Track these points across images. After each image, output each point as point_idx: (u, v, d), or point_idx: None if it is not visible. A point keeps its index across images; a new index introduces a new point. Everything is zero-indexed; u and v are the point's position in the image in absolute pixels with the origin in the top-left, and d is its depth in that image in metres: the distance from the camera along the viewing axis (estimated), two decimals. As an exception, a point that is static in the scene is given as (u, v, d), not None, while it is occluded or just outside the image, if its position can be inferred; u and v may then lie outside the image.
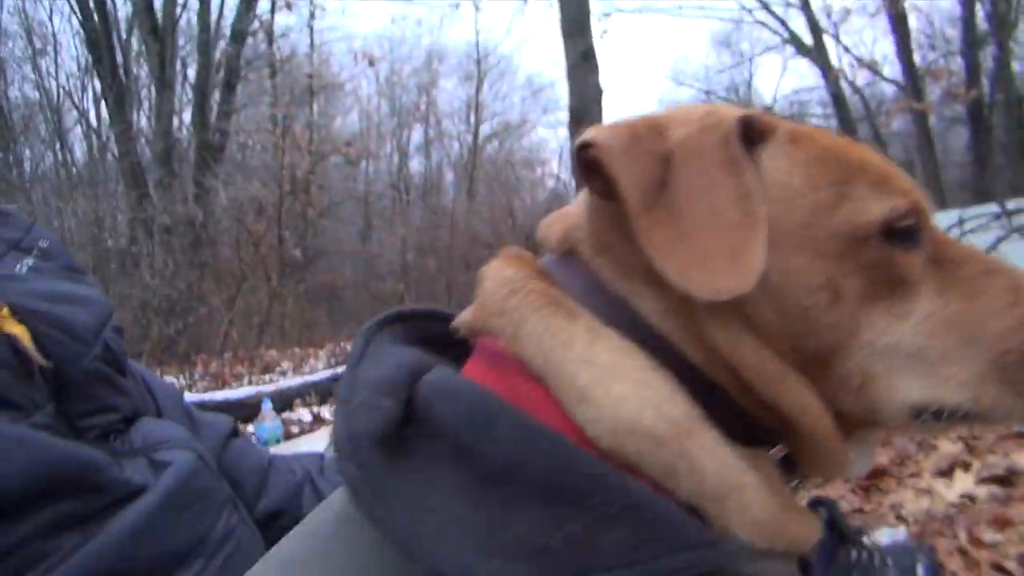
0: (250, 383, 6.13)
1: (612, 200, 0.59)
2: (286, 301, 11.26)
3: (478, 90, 22.33)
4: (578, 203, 0.68)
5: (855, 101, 19.16)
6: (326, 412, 4.49)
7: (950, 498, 2.08)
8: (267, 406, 3.50)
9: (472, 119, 22.26)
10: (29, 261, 0.95)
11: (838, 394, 0.60)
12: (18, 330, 0.85)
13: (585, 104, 13.46)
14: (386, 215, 20.86)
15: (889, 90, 19.47)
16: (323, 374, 5.42)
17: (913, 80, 16.90)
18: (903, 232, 0.59)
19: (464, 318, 0.68)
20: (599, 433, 0.54)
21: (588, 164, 0.59)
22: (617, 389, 0.55)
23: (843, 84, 17.90)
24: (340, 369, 5.57)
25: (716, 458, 0.55)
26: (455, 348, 0.71)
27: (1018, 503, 1.97)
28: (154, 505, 0.85)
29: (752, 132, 0.61)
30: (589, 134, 0.58)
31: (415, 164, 24.19)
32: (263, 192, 10.30)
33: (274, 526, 1.19)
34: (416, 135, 23.35)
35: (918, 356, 0.59)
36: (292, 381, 5.23)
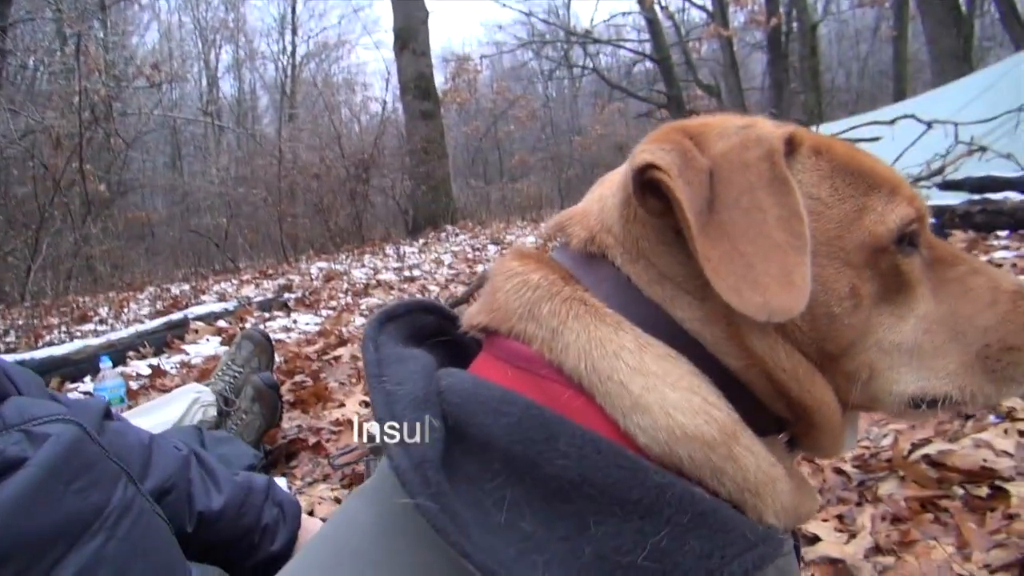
0: (68, 335, 5.61)
1: (662, 217, 0.60)
2: (95, 242, 10.31)
3: (293, 8, 21.04)
4: (597, 204, 0.68)
5: (668, 27, 19.93)
6: (165, 363, 4.22)
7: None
8: (105, 363, 3.21)
9: (287, 39, 21.01)
10: None
11: (846, 387, 0.65)
12: None
13: (411, 24, 13.13)
14: (197, 143, 19.46)
15: (699, 16, 20.42)
16: (156, 322, 5.05)
17: (721, 7, 17.82)
18: (909, 237, 0.65)
19: (476, 318, 0.67)
20: (651, 440, 0.56)
21: (645, 183, 0.60)
22: (671, 397, 0.57)
23: (657, 9, 18.53)
24: (175, 316, 5.22)
25: (756, 457, 0.58)
26: (433, 338, 0.71)
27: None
28: (37, 477, 0.81)
29: (787, 147, 0.63)
30: (648, 156, 0.58)
31: (225, 87, 22.62)
32: (60, 122, 9.19)
33: (164, 503, 1.15)
34: (225, 56, 21.77)
35: (915, 352, 0.65)
36: (122, 332, 4.82)
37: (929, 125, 5.17)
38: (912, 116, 5.08)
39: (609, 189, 0.69)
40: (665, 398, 0.57)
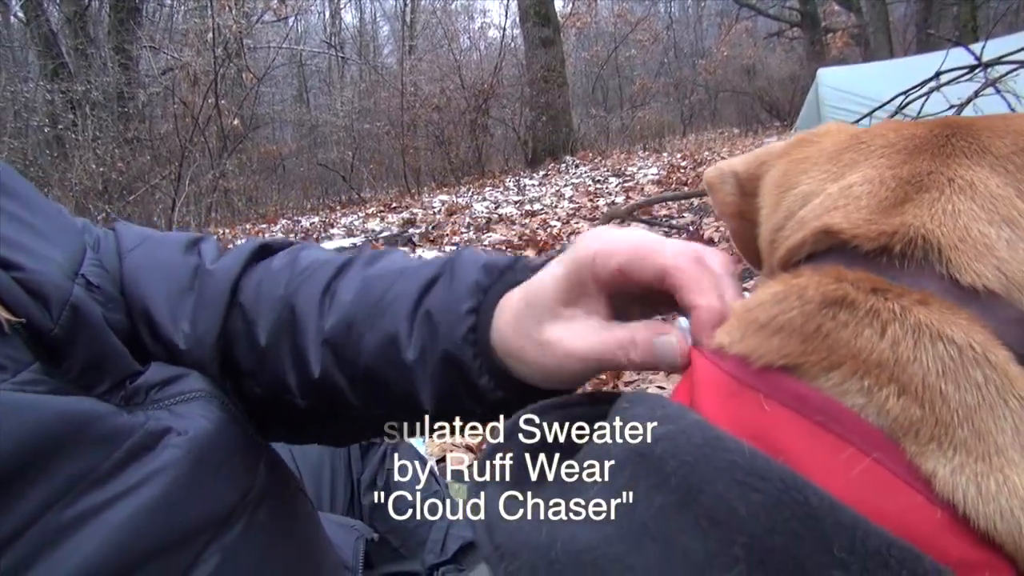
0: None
1: None
2: (231, 176, 10.83)
3: (411, -67, 20.85)
4: (1005, 238, 0.46)
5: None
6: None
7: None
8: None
9: (406, -34, 20.90)
10: None
11: None
12: None
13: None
14: (322, 76, 19.91)
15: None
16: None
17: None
18: None
19: (771, 352, 0.45)
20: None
21: None
22: None
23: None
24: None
25: None
26: None
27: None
28: (184, 465, 0.74)
29: None
30: None
31: (348, 18, 22.93)
32: (197, 59, 9.58)
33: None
34: (347, -15, 21.96)
35: None
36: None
37: (1118, 42, 4.57)
38: (1097, 32, 4.49)
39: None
40: None
